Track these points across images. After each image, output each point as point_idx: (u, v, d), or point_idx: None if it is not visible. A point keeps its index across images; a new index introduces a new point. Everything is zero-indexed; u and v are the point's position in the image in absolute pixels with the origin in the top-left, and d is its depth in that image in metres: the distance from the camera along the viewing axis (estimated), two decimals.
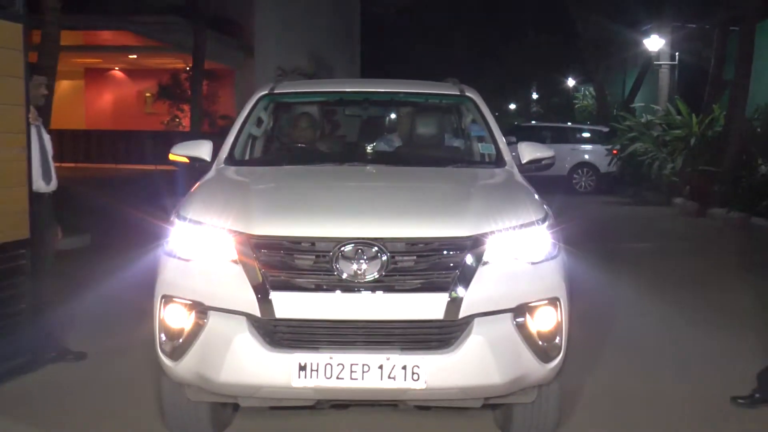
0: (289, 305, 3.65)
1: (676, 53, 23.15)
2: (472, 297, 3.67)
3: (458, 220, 3.89)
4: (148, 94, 27.99)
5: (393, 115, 6.73)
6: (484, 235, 3.81)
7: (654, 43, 22.29)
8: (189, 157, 5.00)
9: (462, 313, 3.66)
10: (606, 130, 22.60)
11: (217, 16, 20.86)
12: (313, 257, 3.72)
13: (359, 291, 3.67)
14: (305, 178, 4.89)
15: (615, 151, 20.87)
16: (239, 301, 3.68)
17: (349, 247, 3.68)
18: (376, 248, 3.68)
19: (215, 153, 5.08)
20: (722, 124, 17.51)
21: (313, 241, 3.74)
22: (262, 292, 3.64)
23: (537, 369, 3.77)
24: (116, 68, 28.82)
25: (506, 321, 3.74)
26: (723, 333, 6.50)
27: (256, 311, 3.65)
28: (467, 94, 5.81)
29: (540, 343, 3.79)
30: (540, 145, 5.36)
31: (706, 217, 15.51)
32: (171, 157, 4.98)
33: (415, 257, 3.74)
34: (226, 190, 4.51)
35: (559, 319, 3.85)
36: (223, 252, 3.81)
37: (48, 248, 5.83)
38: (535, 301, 3.80)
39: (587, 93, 35.62)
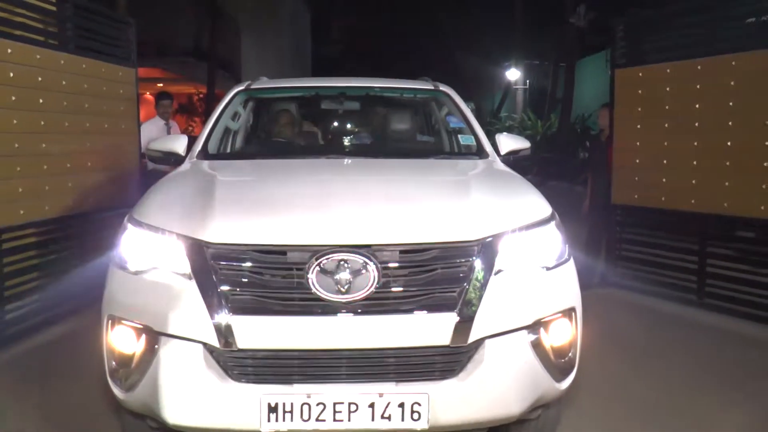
0: (254, 332, 2.19)
1: (527, 80, 24.27)
2: (485, 315, 2.24)
3: (464, 220, 2.39)
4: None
5: (357, 112, 4.95)
6: (496, 237, 2.34)
7: (512, 74, 23.30)
8: (163, 152, 3.49)
9: (473, 336, 2.23)
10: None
11: (221, 57, 21.18)
12: (285, 271, 2.23)
13: (343, 313, 2.20)
14: (280, 172, 3.12)
15: None
16: (193, 328, 2.21)
17: (329, 257, 2.21)
18: (363, 258, 2.21)
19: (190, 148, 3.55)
20: (556, 127, 18.79)
21: (284, 249, 2.24)
22: (220, 316, 2.18)
23: (551, 389, 2.41)
24: (147, 93, 28.70)
25: (521, 340, 2.32)
26: None
27: (213, 340, 2.19)
28: (442, 89, 4.17)
29: (554, 360, 2.40)
30: (517, 137, 3.73)
31: (546, 187, 16.71)
32: (146, 152, 3.40)
33: (413, 268, 2.26)
34: (189, 187, 2.79)
35: (574, 332, 2.48)
36: (176, 264, 2.29)
37: None
38: (551, 314, 2.40)
39: (470, 107, 36.83)
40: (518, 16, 21.50)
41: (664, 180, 5.45)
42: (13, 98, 4.15)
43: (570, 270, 2.56)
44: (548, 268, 2.47)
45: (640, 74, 5.60)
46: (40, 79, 4.42)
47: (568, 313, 2.47)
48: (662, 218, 5.55)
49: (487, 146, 3.61)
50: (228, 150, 4.02)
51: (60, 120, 4.67)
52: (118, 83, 5.54)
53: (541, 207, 2.63)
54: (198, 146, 3.56)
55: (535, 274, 2.43)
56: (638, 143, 5.65)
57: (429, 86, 4.25)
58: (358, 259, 2.22)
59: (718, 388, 3.68)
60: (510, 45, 22.84)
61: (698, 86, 5.16)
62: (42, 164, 4.46)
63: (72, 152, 4.87)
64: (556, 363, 2.42)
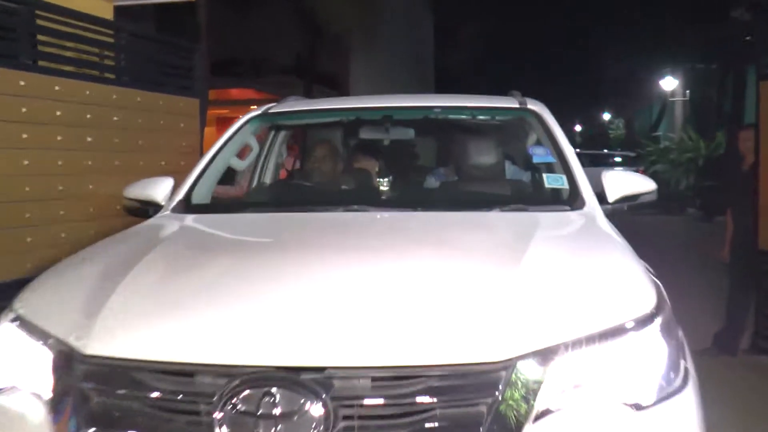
0: None
1: (687, 90, 23.47)
2: None
3: (485, 326, 1.74)
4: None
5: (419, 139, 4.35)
6: (541, 355, 1.69)
7: (668, 83, 22.64)
8: (141, 201, 3.13)
9: None
10: (633, 155, 23.09)
11: (323, 73, 22.13)
12: (187, 405, 1.69)
13: None
14: (249, 238, 2.82)
15: (641, 171, 21.36)
16: None
17: (250, 387, 1.63)
18: (305, 391, 1.62)
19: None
20: (724, 148, 17.96)
21: (189, 370, 1.69)
22: None
23: None
24: (240, 116, 30.40)
25: None
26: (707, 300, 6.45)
27: None
28: (530, 106, 3.60)
29: None
30: (635, 175, 3.14)
31: (712, 223, 15.98)
32: (124, 202, 3.22)
33: (392, 408, 1.65)
34: (106, 264, 2.28)
35: None
36: (38, 383, 1.82)
37: None
38: None
39: (619, 125, 36.05)
40: (675, 10, 20.91)
41: None
42: (59, 138, 4.65)
43: (686, 407, 1.81)
44: (641, 407, 1.74)
45: None
46: (88, 116, 4.92)
47: None
48: None
49: (586, 190, 3.02)
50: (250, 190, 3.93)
51: (110, 159, 5.16)
52: (178, 116, 6.03)
53: (637, 296, 1.91)
54: (179, 195, 3.19)
55: (615, 418, 1.72)
56: None
57: (512, 104, 3.70)
58: (295, 391, 1.62)
59: None
60: (666, 46, 22.19)
61: None
62: (89, 207, 4.94)
63: (121, 194, 5.34)
64: None
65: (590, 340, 1.74)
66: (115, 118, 5.20)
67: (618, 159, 23.97)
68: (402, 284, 2.00)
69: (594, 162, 22.93)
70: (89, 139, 4.93)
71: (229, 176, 4.30)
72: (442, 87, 38.85)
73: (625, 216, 3.01)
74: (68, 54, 4.87)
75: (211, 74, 18.16)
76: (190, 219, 3.02)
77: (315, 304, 1.87)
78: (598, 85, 31.01)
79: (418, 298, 1.89)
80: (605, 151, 27.03)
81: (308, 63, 20.43)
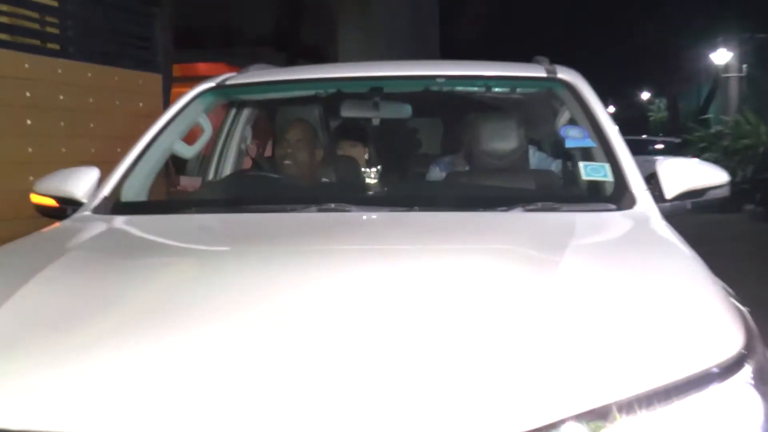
0: None
1: (744, 65, 23.43)
2: None
3: (507, 387, 1.43)
4: None
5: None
6: (586, 421, 1.41)
7: (721, 56, 22.61)
8: (58, 199, 2.95)
9: None
10: (678, 141, 23.01)
11: (306, 45, 22.16)
12: None
13: None
14: (184, 248, 2.57)
15: None
16: None
17: None
18: None
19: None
20: None
21: None
22: None
23: None
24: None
25: None
26: None
27: None
28: (560, 76, 3.29)
29: None
30: (698, 163, 2.95)
31: None
32: (33, 198, 3.04)
33: None
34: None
35: None
36: None
37: None
38: None
39: (661, 106, 36.04)
40: None
41: None
42: None
43: None
44: None
45: None
46: (28, 95, 4.84)
47: None
48: None
49: (636, 184, 2.73)
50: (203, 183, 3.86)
51: (56, 146, 5.08)
52: (136, 94, 5.96)
53: (719, 335, 1.64)
54: (106, 189, 2.93)
55: None
56: None
57: (539, 73, 3.38)
58: None
59: None
60: (718, 12, 22.20)
61: None
62: (29, 204, 4.85)
63: None
64: None
65: (655, 397, 1.45)
66: (61, 98, 5.12)
67: (660, 146, 23.88)
68: (387, 325, 1.67)
69: (632, 150, 22.80)
70: (29, 122, 4.85)
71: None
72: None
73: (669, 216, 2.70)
74: (2, 19, 4.80)
75: (176, 46, 18.16)
76: (115, 222, 2.77)
77: (258, 354, 1.55)
78: (636, 59, 30.97)
79: (410, 348, 1.56)
80: (644, 136, 26.94)
81: (291, 34, 20.40)
